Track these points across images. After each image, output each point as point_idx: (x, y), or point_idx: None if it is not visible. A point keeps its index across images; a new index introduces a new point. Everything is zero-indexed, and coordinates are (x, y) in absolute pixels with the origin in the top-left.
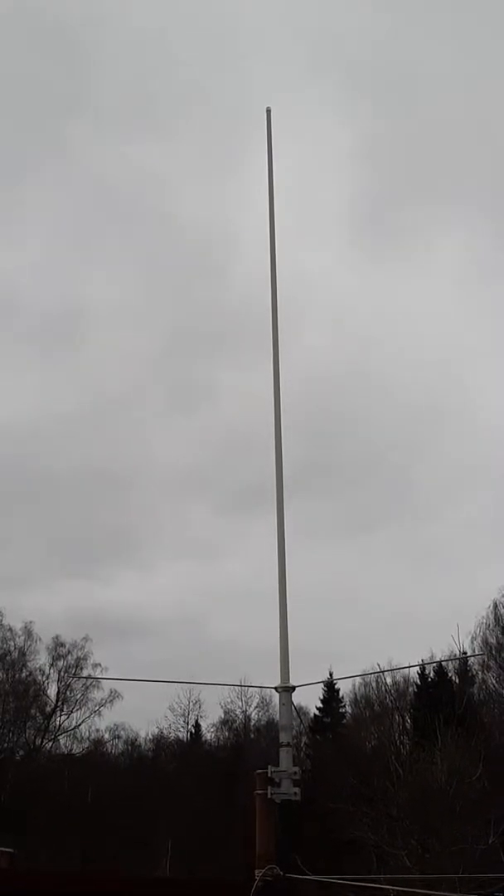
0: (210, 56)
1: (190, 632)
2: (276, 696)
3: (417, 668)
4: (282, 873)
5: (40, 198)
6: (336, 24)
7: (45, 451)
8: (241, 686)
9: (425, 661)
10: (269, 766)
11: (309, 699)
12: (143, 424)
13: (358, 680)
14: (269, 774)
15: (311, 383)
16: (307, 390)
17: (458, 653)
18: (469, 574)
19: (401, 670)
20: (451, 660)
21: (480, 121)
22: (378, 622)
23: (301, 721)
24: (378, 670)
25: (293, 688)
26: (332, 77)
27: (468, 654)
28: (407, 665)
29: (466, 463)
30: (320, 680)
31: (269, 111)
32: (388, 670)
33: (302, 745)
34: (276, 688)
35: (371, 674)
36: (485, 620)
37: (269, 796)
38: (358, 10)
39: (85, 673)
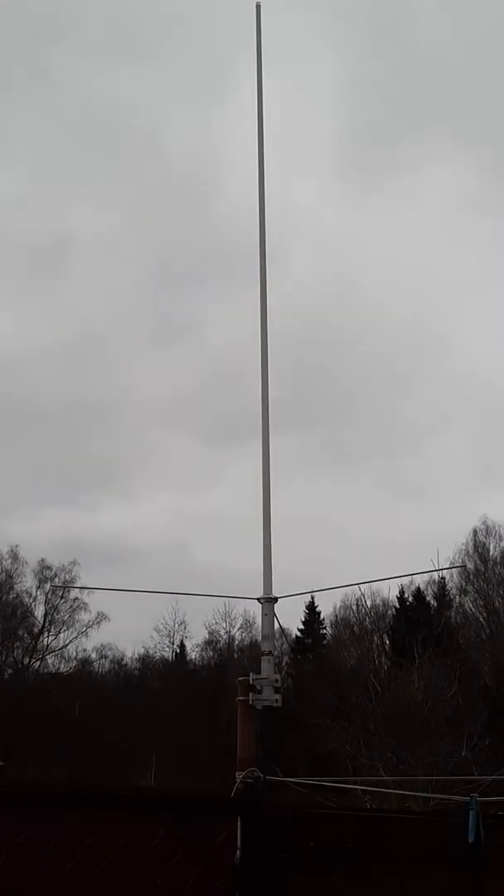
0: None
1: (175, 557)
2: (259, 618)
3: (396, 593)
4: (262, 776)
5: (24, 127)
6: None
7: (30, 382)
8: (224, 597)
9: (405, 574)
10: (251, 674)
11: (291, 621)
12: (128, 356)
13: (338, 603)
14: (250, 681)
15: (296, 317)
16: (292, 324)
17: (437, 577)
18: (449, 505)
19: (379, 593)
20: (431, 572)
21: (473, 55)
22: (359, 550)
23: (283, 632)
24: (359, 582)
25: (275, 599)
26: (323, 9)
27: (447, 577)
28: (387, 577)
29: (449, 395)
30: (302, 591)
31: (258, 7)
32: (367, 581)
33: (284, 664)
34: (258, 598)
35: (352, 584)
36: (464, 547)
37: (250, 703)
38: None
39: (72, 596)
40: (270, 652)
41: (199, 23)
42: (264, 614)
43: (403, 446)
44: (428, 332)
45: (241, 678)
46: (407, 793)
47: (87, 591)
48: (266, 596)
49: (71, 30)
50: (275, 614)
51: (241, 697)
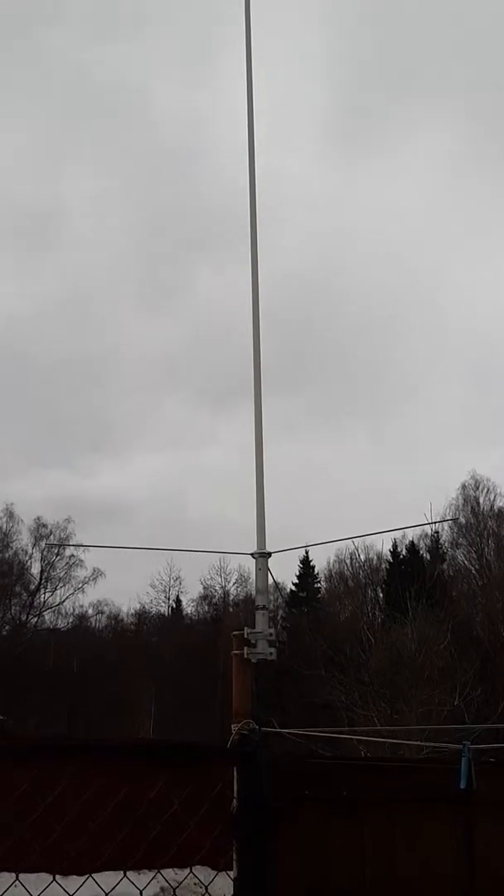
0: None
1: (169, 513)
2: (254, 573)
3: (390, 546)
4: (257, 727)
5: (16, 97)
6: None
7: (21, 344)
8: (218, 553)
9: (398, 528)
10: (246, 628)
11: (285, 575)
12: (120, 318)
13: (332, 557)
14: (245, 636)
15: (286, 278)
16: (282, 285)
17: (429, 529)
18: (439, 459)
19: (373, 545)
20: (422, 525)
21: (457, 23)
22: (352, 505)
23: (277, 587)
24: (352, 537)
25: (269, 554)
26: None
27: (440, 531)
28: (380, 531)
29: (437, 352)
30: (296, 546)
31: None
32: (361, 535)
33: (279, 618)
34: (252, 554)
35: (345, 539)
36: (455, 501)
37: (245, 656)
38: None
39: (68, 553)
40: (265, 606)
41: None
42: (258, 569)
43: (393, 403)
44: (415, 291)
45: (235, 632)
46: (400, 741)
47: (82, 549)
48: (259, 551)
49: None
50: (269, 569)
51: (235, 651)
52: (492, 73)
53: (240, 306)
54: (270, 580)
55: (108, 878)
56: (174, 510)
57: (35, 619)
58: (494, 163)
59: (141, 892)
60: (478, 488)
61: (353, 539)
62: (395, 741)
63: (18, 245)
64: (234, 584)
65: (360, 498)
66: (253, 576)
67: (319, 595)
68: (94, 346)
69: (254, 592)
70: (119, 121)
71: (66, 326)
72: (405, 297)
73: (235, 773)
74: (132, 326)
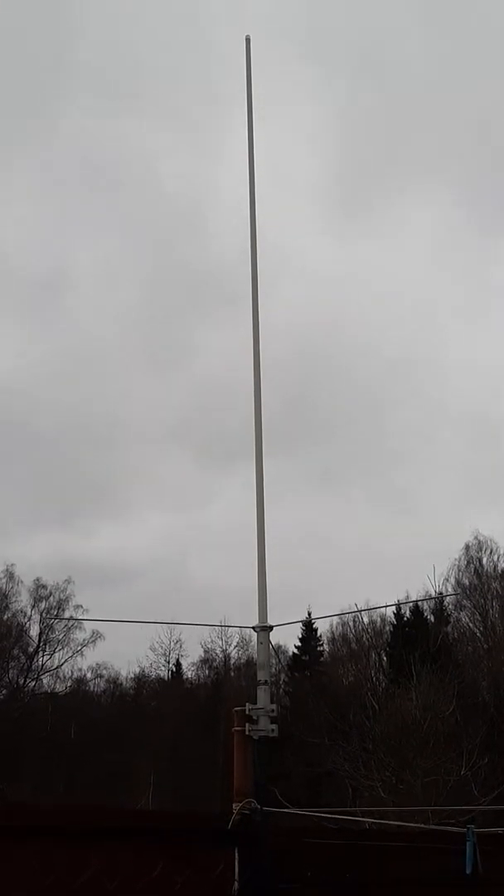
0: (189, 37)
1: (170, 577)
2: (255, 636)
3: (393, 608)
4: (259, 807)
5: (26, 166)
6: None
7: (27, 406)
8: (220, 626)
9: (401, 602)
10: (247, 704)
11: (288, 638)
12: (123, 380)
13: (335, 620)
14: (246, 712)
15: (288, 340)
16: (283, 347)
17: (433, 593)
18: (440, 521)
19: (377, 610)
20: (427, 599)
21: (456, 99)
22: (354, 567)
23: (279, 660)
24: (355, 610)
25: (270, 627)
26: (312, 58)
27: (443, 594)
28: (384, 605)
29: (436, 414)
30: (297, 619)
31: (248, 40)
32: (364, 610)
33: (281, 682)
34: (254, 627)
35: (348, 613)
36: (458, 563)
37: (246, 733)
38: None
39: (67, 615)
40: (266, 681)
41: (192, 71)
42: (259, 642)
43: (395, 462)
44: (415, 352)
45: (236, 708)
46: (405, 824)
47: (82, 609)
48: (261, 624)
49: (71, 72)
50: (270, 642)
51: (236, 727)
52: (484, 141)
53: (242, 365)
54: (272, 653)
55: None
56: (175, 571)
57: (33, 682)
58: (488, 228)
59: None
60: (481, 549)
61: (357, 604)
62: (399, 824)
63: (25, 312)
64: (235, 647)
65: (361, 558)
66: (254, 641)
67: (322, 658)
68: (96, 408)
69: (255, 656)
70: (124, 191)
71: (68, 389)
72: (406, 360)
73: (237, 854)
74: (134, 389)
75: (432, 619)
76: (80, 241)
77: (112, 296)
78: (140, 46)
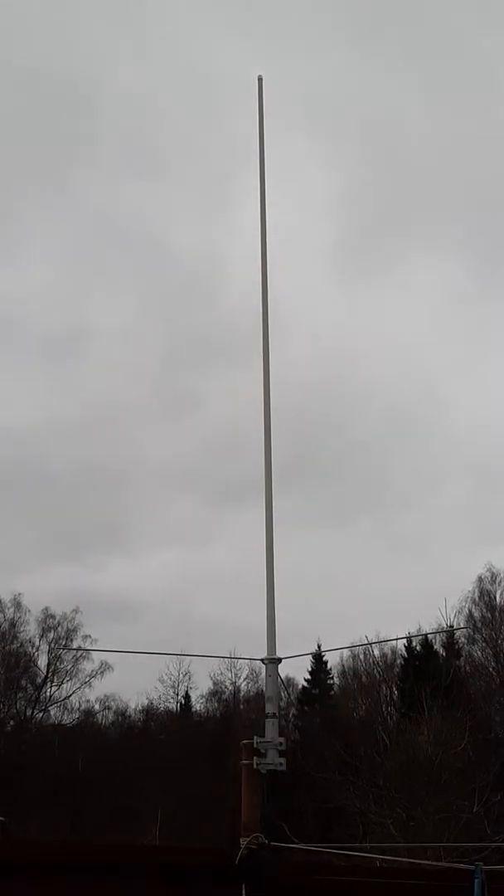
0: (201, 111)
1: (178, 612)
2: (264, 668)
3: (404, 641)
4: (266, 842)
5: (46, 230)
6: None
7: (45, 452)
8: (229, 658)
9: (412, 634)
10: (255, 737)
11: (297, 671)
12: (138, 428)
13: (346, 653)
14: (254, 745)
15: (296, 392)
16: (292, 398)
17: (444, 626)
18: (452, 554)
19: (388, 643)
20: (438, 633)
21: (459, 166)
22: (364, 600)
23: (288, 693)
24: (365, 642)
25: (279, 660)
26: (321, 128)
27: (454, 626)
28: (395, 638)
29: (439, 463)
30: (306, 652)
31: (260, 79)
32: (375, 642)
33: (290, 716)
34: (262, 660)
35: (358, 646)
36: (470, 595)
37: (254, 766)
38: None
39: (75, 645)
40: (274, 714)
41: (205, 140)
42: (268, 675)
43: (400, 506)
44: (419, 404)
45: (244, 742)
46: (416, 861)
47: (90, 639)
48: (270, 657)
49: (87, 142)
50: (279, 675)
51: (244, 761)
52: (487, 201)
53: (252, 412)
54: (280, 685)
55: None
56: (184, 605)
57: (41, 714)
58: (492, 288)
59: None
60: (494, 581)
61: (367, 636)
62: (410, 861)
63: (46, 365)
64: (244, 679)
65: (372, 593)
66: (263, 673)
67: (332, 692)
68: (110, 453)
69: (264, 688)
70: (141, 256)
71: (85, 436)
72: (410, 412)
73: (244, 891)
74: (148, 436)
75: (443, 652)
76: (96, 300)
77: (127, 351)
78: (155, 128)
